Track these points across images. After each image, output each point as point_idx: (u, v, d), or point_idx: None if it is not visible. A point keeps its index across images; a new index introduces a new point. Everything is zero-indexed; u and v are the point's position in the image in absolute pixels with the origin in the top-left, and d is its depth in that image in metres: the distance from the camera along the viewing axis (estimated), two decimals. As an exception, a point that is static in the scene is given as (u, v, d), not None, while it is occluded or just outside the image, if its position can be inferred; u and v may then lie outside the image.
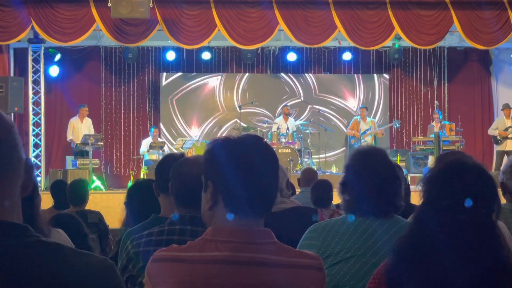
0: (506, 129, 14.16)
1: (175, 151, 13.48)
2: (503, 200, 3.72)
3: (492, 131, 14.44)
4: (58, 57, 15.15)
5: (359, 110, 15.07)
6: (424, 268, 1.93)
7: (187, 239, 2.02)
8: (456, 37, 15.05)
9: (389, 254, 2.11)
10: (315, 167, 14.08)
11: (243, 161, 1.91)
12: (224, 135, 2.01)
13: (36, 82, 14.78)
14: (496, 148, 14.46)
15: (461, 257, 1.89)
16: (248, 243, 1.90)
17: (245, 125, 15.23)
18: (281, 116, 14.99)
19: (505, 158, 13.73)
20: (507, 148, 14.07)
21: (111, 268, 1.39)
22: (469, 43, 14.11)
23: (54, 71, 15.31)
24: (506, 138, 14.11)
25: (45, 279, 1.29)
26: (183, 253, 1.90)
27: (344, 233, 2.82)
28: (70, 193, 6.40)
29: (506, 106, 14.45)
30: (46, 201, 5.99)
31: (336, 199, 3.94)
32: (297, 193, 6.86)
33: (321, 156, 15.68)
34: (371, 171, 2.83)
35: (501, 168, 4.03)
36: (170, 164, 2.89)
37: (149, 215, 3.10)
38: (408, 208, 3.17)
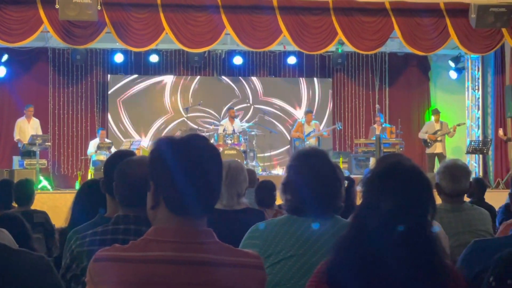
0: (435, 133, 14.63)
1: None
2: (438, 201, 3.94)
3: (422, 134, 14.89)
4: (5, 57, 15.02)
5: (305, 115, 15.21)
6: (364, 266, 1.98)
7: (131, 239, 2.01)
8: (396, 43, 15.29)
9: (330, 252, 2.13)
10: (260, 168, 14.35)
11: (186, 161, 1.89)
12: (168, 135, 2.12)
13: (-17, 83, 14.70)
14: (426, 150, 14.85)
15: (398, 256, 1.95)
16: (190, 242, 1.89)
17: (192, 127, 15.34)
18: (227, 118, 15.11)
19: (437, 160, 14.28)
20: (436, 150, 14.55)
21: (47, 265, 1.43)
22: (409, 49, 14.44)
23: (1, 71, 15.16)
24: (435, 141, 14.58)
25: None
26: (126, 253, 1.87)
27: (286, 232, 2.84)
28: (16, 193, 6.28)
29: (435, 112, 14.95)
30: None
31: (280, 200, 4.10)
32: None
33: (266, 157, 15.91)
34: (312, 171, 2.86)
35: (436, 170, 4.21)
36: (119, 162, 2.87)
37: (96, 215, 3.10)
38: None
